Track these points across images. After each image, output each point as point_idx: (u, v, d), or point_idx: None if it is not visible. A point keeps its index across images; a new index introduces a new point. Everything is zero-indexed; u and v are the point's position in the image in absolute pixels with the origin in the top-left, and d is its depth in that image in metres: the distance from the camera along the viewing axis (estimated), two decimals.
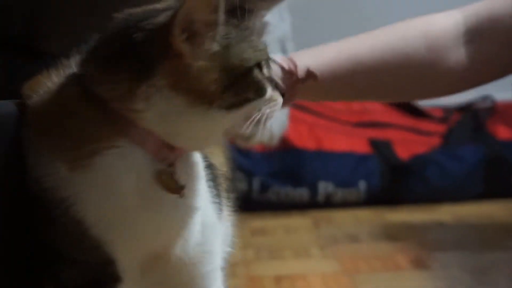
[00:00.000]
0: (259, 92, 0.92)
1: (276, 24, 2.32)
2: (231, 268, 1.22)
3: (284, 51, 2.56)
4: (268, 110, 0.93)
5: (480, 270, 1.74)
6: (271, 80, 0.94)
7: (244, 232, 2.12)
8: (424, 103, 2.89)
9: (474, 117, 2.81)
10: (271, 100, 0.94)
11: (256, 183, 2.54)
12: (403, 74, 1.24)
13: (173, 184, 0.92)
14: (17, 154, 0.93)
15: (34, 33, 1.16)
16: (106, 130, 0.90)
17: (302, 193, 2.56)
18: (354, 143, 2.66)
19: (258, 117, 0.92)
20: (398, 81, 1.24)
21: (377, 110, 2.86)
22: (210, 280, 1.03)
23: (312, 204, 2.54)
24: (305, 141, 2.62)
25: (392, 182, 2.59)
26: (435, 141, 2.73)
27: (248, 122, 0.92)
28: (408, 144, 2.70)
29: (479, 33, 1.24)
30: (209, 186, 1.02)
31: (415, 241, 2.05)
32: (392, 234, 2.15)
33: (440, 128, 2.81)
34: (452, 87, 1.29)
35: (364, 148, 2.64)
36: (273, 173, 2.57)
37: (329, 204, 2.55)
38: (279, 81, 0.98)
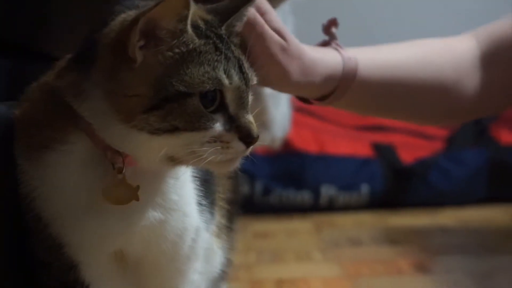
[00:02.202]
0: (194, 125, 0.84)
1: None
2: (233, 272, 1.22)
3: None
4: (214, 153, 0.85)
5: (483, 274, 1.74)
6: (231, 120, 0.86)
7: (246, 235, 2.12)
8: None
9: (478, 121, 2.80)
10: (220, 140, 0.85)
11: (258, 186, 2.54)
12: (431, 91, 1.19)
13: (120, 192, 0.89)
14: (8, 157, 0.93)
15: (40, 36, 1.17)
16: (61, 121, 0.89)
17: (304, 196, 2.55)
18: (357, 146, 2.65)
19: (201, 153, 0.85)
20: (425, 98, 1.20)
21: None
22: (179, 282, 1.01)
23: (314, 208, 2.54)
24: (308, 144, 2.62)
25: (395, 186, 2.58)
26: (438, 145, 2.73)
27: (189, 155, 0.85)
28: (411, 148, 2.69)
29: (493, 58, 1.20)
30: (199, 200, 0.99)
31: (418, 245, 2.04)
32: (395, 238, 2.15)
33: (443, 132, 2.80)
34: (469, 112, 1.26)
35: (367, 152, 2.64)
36: (276, 176, 2.56)
37: (331, 207, 2.55)
38: (253, 128, 0.87)
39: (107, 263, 0.96)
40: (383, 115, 1.28)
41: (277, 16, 1.05)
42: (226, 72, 0.86)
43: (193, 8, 0.85)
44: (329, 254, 2.00)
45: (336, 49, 1.12)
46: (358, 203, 2.56)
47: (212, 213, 1.03)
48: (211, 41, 0.86)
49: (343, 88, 1.10)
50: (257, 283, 1.73)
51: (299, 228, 2.33)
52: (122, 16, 0.86)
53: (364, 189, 2.56)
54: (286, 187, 2.55)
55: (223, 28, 0.90)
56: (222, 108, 0.86)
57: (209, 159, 0.85)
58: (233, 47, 0.89)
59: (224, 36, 0.88)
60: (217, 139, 0.85)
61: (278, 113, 1.96)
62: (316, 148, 2.62)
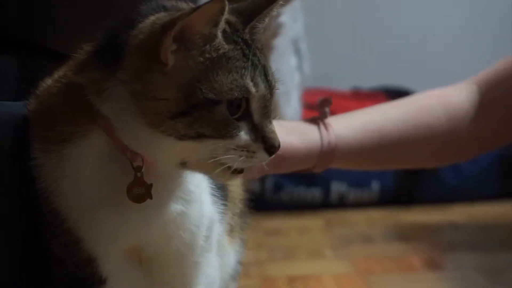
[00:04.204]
0: (221, 132, 0.84)
1: (289, 25, 2.32)
2: (245, 269, 1.22)
3: (297, 51, 2.56)
4: (239, 159, 0.86)
5: (494, 270, 1.74)
6: (255, 129, 0.87)
7: (257, 232, 2.12)
8: None
9: None
10: (247, 150, 0.86)
11: (269, 184, 2.54)
12: (424, 145, 1.24)
13: (136, 189, 0.90)
14: (24, 155, 0.94)
15: (48, 33, 1.17)
16: (81, 115, 0.89)
17: (315, 193, 2.55)
18: None
19: (224, 161, 0.85)
20: (418, 152, 1.25)
21: None
22: (194, 276, 1.02)
23: (325, 205, 2.54)
24: None
25: (406, 183, 2.58)
26: None
27: (212, 162, 0.85)
28: None
29: (491, 101, 1.26)
30: (212, 192, 1.00)
31: (429, 242, 2.04)
32: (406, 234, 2.15)
33: None
34: (469, 153, 1.31)
35: None
36: (286, 173, 2.56)
37: (342, 204, 2.55)
38: (276, 138, 0.88)
39: (123, 258, 0.96)
40: (381, 168, 1.38)
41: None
42: (253, 80, 0.85)
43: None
44: (340, 251, 2.00)
45: (319, 131, 1.18)
46: (369, 199, 2.56)
47: (225, 205, 1.04)
48: (238, 47, 0.86)
49: (323, 164, 1.19)
50: (269, 280, 1.73)
51: (310, 225, 2.33)
52: (152, 19, 0.85)
53: (375, 185, 2.56)
54: (297, 184, 2.55)
55: (246, 31, 0.89)
56: (247, 116, 0.86)
57: (231, 164, 0.85)
58: (258, 53, 0.88)
59: (249, 42, 0.88)
60: (244, 148, 0.86)
61: (289, 111, 1.96)
62: None
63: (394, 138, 1.21)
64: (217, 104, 0.83)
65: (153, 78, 0.83)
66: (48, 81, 0.96)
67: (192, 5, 0.88)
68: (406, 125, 1.22)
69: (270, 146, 0.87)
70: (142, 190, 0.90)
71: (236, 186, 1.11)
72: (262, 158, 0.88)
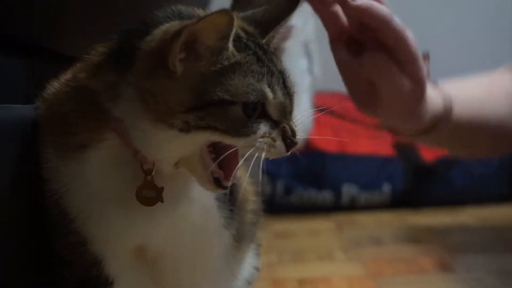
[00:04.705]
0: (236, 131, 0.84)
1: (300, 27, 2.32)
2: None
3: (308, 54, 2.56)
4: (261, 149, 0.87)
5: (505, 272, 1.73)
6: (275, 124, 0.87)
7: (268, 235, 2.12)
8: None
9: None
10: (270, 137, 0.86)
11: (279, 186, 2.54)
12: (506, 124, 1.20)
13: (146, 192, 0.90)
14: (33, 158, 0.95)
15: (56, 35, 1.17)
16: (95, 119, 0.90)
17: (325, 196, 2.56)
18: (378, 145, 2.65)
19: (250, 149, 0.87)
20: (504, 132, 1.20)
21: None
22: (200, 277, 1.03)
23: (335, 207, 2.54)
24: (328, 144, 2.62)
25: (416, 185, 2.58)
26: None
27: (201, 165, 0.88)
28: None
29: None
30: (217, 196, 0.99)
31: (439, 244, 2.04)
32: (416, 237, 2.15)
33: None
34: None
35: (387, 151, 2.64)
36: (297, 176, 2.57)
37: (352, 207, 2.55)
38: (295, 132, 0.88)
39: (130, 259, 0.97)
40: (465, 151, 1.28)
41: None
42: (270, 86, 0.85)
43: (237, 22, 0.84)
44: (351, 254, 2.00)
45: (434, 87, 1.12)
46: (380, 202, 2.56)
47: (232, 211, 1.04)
48: (251, 52, 0.86)
49: (441, 125, 1.11)
50: (279, 283, 1.74)
51: (321, 228, 2.33)
52: (166, 26, 0.86)
53: (386, 188, 2.56)
54: (307, 186, 2.56)
55: (264, 40, 0.90)
56: (264, 116, 0.86)
57: (259, 153, 0.87)
58: (275, 60, 0.88)
59: (266, 48, 0.88)
60: (265, 136, 0.86)
61: (299, 113, 1.96)
62: (337, 147, 2.62)
63: (496, 117, 1.16)
64: (232, 105, 0.83)
65: (163, 83, 0.84)
66: (56, 84, 0.97)
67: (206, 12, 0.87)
68: (495, 100, 1.18)
69: (289, 136, 0.88)
70: (152, 193, 0.91)
71: (247, 192, 1.11)
72: (280, 149, 0.88)
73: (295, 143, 0.88)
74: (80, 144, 0.91)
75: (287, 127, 0.88)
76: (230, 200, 1.02)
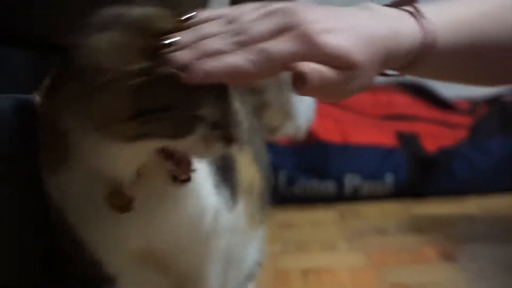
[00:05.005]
0: (175, 132, 0.83)
1: None
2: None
3: None
4: (197, 152, 0.87)
5: (509, 261, 1.73)
6: (215, 124, 0.85)
7: (271, 226, 2.12)
8: (451, 95, 2.88)
9: (502, 110, 2.79)
10: (204, 140, 0.85)
11: (282, 177, 2.54)
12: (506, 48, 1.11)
13: (119, 201, 0.90)
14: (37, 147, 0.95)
15: (59, 27, 1.17)
16: (58, 143, 0.90)
17: (328, 186, 2.55)
18: (381, 136, 2.65)
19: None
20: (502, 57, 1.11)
21: (403, 103, 2.85)
22: (205, 263, 1.03)
23: (338, 198, 2.54)
24: (331, 134, 2.61)
25: (419, 175, 2.58)
26: (462, 134, 2.72)
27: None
28: (435, 137, 2.69)
29: None
30: (216, 183, 0.99)
31: (443, 234, 2.04)
32: (420, 227, 2.14)
33: (467, 120, 2.79)
34: None
35: (390, 141, 2.64)
36: (300, 166, 2.57)
37: (355, 197, 2.55)
38: (233, 128, 0.86)
39: (130, 259, 0.97)
40: (459, 80, 1.17)
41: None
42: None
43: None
44: (354, 244, 2.00)
45: (414, 16, 0.98)
46: (383, 192, 2.56)
47: (234, 195, 1.04)
48: None
49: (422, 61, 0.98)
50: (283, 273, 1.74)
51: (324, 218, 2.33)
52: (91, 44, 0.85)
53: (389, 178, 2.56)
54: (310, 177, 2.56)
55: None
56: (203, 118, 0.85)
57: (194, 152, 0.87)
58: None
59: None
60: (200, 139, 0.85)
61: (302, 104, 1.96)
62: (339, 138, 2.62)
63: (494, 39, 1.07)
64: (166, 111, 0.82)
65: (97, 98, 0.82)
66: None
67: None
68: (493, 21, 1.09)
69: (226, 135, 0.86)
70: (122, 201, 0.90)
71: (251, 176, 1.11)
72: (219, 147, 0.86)
73: (236, 139, 0.86)
74: (57, 160, 0.91)
75: (227, 124, 0.86)
76: (229, 180, 1.02)
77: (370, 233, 2.11)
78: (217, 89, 0.84)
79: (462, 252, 1.87)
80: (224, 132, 0.85)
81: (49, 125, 0.91)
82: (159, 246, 0.97)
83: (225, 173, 1.01)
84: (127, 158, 0.86)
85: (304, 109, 2.08)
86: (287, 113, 1.55)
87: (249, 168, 1.11)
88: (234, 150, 0.90)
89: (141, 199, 0.91)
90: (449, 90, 2.89)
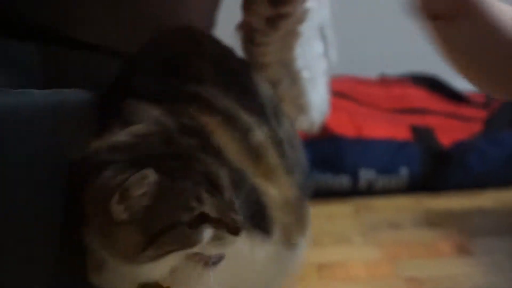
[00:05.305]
0: (185, 244, 0.91)
1: (315, 10, 2.31)
2: None
3: (324, 38, 2.55)
4: (214, 249, 0.94)
5: None
6: (217, 221, 0.93)
7: None
8: (465, 89, 2.87)
9: None
10: (213, 241, 0.93)
11: None
12: None
13: None
14: (54, 143, 0.97)
15: (70, 20, 1.17)
16: None
17: (342, 180, 2.55)
18: (395, 130, 2.64)
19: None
20: None
21: (418, 96, 2.84)
22: None
23: (353, 192, 2.54)
24: (345, 128, 2.61)
25: (434, 169, 2.57)
26: (476, 127, 2.71)
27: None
28: (450, 131, 2.68)
29: None
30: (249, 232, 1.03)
31: (457, 227, 2.04)
32: (434, 220, 2.14)
33: (482, 114, 2.78)
34: None
35: (405, 135, 2.63)
36: (314, 161, 2.56)
37: (370, 191, 2.55)
38: (239, 223, 0.94)
39: None
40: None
41: None
42: (196, 197, 0.92)
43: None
44: (369, 238, 2.00)
45: None
46: (397, 186, 2.55)
47: (267, 229, 1.08)
48: (176, 174, 0.92)
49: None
50: None
51: (338, 212, 2.33)
52: (101, 182, 0.91)
53: (403, 172, 2.56)
54: (324, 171, 2.55)
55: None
56: (205, 219, 0.92)
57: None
58: (196, 164, 0.95)
59: (184, 155, 0.96)
60: (214, 238, 0.93)
61: (315, 97, 1.96)
62: (353, 132, 2.61)
63: None
64: (172, 228, 0.90)
65: (114, 230, 0.91)
66: None
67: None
68: None
69: (232, 230, 0.93)
70: None
71: (284, 195, 1.13)
72: (231, 240, 0.94)
73: (241, 230, 0.94)
74: (94, 266, 0.97)
75: (228, 222, 0.93)
76: (260, 221, 1.07)
77: (384, 227, 2.11)
78: (208, 184, 0.93)
79: (477, 245, 1.87)
80: (228, 227, 0.93)
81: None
82: None
83: (255, 216, 1.04)
84: (155, 270, 0.94)
85: (318, 102, 2.08)
86: (301, 107, 1.56)
87: (281, 190, 1.13)
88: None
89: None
90: (463, 83, 2.88)
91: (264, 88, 1.24)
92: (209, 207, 0.92)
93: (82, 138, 1.02)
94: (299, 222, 1.16)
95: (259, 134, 1.14)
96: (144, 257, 0.90)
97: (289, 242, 1.12)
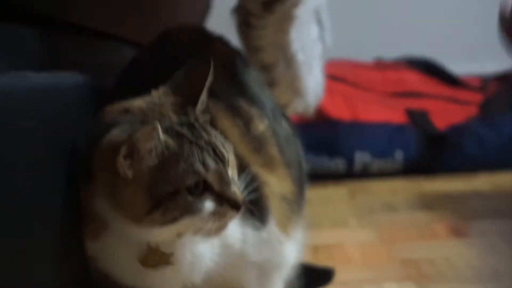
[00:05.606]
0: (189, 211, 0.93)
1: None
2: None
3: (319, 22, 2.55)
4: (213, 223, 0.95)
5: None
6: (219, 195, 0.95)
7: None
8: (462, 72, 2.87)
9: None
10: (218, 213, 0.95)
11: None
12: None
13: (156, 259, 0.99)
14: (50, 125, 0.97)
15: (72, 5, 1.17)
16: (93, 219, 1.00)
17: (338, 163, 2.55)
18: (391, 113, 2.65)
19: (204, 227, 0.95)
20: None
21: (413, 80, 2.85)
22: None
23: (348, 175, 2.54)
24: (340, 111, 2.61)
25: (429, 152, 2.58)
26: (472, 111, 2.71)
27: (195, 231, 0.96)
28: (445, 114, 2.68)
29: None
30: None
31: (453, 210, 2.04)
32: (429, 203, 2.15)
33: (477, 97, 2.79)
34: None
35: (400, 118, 2.63)
36: (309, 144, 2.55)
37: (365, 174, 2.55)
38: (237, 196, 0.97)
39: None
40: None
41: None
42: (202, 161, 0.94)
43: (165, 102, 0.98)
44: (364, 220, 2.00)
45: None
46: (393, 169, 2.55)
47: (263, 217, 1.09)
48: (184, 138, 0.95)
49: None
50: None
51: (334, 195, 2.34)
52: (109, 137, 0.94)
53: (398, 155, 2.56)
54: (319, 155, 2.55)
55: (194, 111, 0.99)
56: (208, 189, 0.95)
57: (209, 228, 0.96)
58: (203, 133, 0.97)
59: (194, 124, 0.97)
60: (215, 213, 0.95)
61: (311, 81, 1.96)
62: (349, 115, 2.61)
63: None
64: (177, 193, 0.92)
65: (122, 190, 0.93)
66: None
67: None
68: None
69: (233, 205, 0.96)
70: (160, 258, 1.00)
71: (282, 186, 1.14)
72: (231, 216, 0.97)
73: (242, 205, 0.97)
74: (95, 230, 1.00)
75: (229, 197, 0.96)
76: (257, 207, 1.07)
77: (380, 210, 2.12)
78: (212, 158, 0.95)
79: (472, 228, 1.88)
80: (229, 202, 0.96)
81: (87, 204, 0.99)
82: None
83: (253, 203, 1.05)
84: (160, 236, 0.96)
85: (313, 86, 2.08)
86: (296, 90, 1.56)
87: (279, 182, 1.15)
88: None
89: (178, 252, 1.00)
90: (459, 67, 2.89)
91: (265, 89, 1.26)
92: (212, 177, 0.95)
93: (78, 120, 1.02)
94: (296, 215, 1.17)
95: (261, 125, 1.15)
96: (150, 220, 0.92)
97: (284, 234, 1.13)
